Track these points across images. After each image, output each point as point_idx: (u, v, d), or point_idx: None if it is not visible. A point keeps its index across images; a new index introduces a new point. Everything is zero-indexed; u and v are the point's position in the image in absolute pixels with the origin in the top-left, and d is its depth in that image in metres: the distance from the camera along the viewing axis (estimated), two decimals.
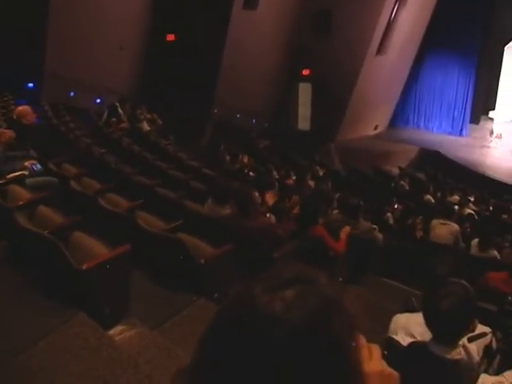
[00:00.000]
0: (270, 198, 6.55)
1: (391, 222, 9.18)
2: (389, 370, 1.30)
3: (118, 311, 4.13)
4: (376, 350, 1.31)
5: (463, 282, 2.76)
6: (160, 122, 14.66)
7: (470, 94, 22.47)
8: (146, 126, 13.98)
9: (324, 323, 1.04)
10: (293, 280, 1.08)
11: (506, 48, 21.89)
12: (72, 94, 14.37)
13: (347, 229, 6.11)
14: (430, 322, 2.69)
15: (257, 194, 5.63)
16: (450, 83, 22.76)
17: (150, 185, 7.76)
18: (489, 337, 2.82)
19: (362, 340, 1.31)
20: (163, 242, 4.98)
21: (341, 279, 6.18)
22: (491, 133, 21.19)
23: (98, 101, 15.03)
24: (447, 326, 2.63)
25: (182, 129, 14.74)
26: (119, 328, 3.98)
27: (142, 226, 5.08)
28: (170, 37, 16.27)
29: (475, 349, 2.99)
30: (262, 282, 1.09)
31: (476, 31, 21.43)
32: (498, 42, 22.34)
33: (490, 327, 2.87)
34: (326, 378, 1.03)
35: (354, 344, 1.11)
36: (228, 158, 11.04)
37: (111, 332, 3.91)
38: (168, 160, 10.64)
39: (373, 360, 1.29)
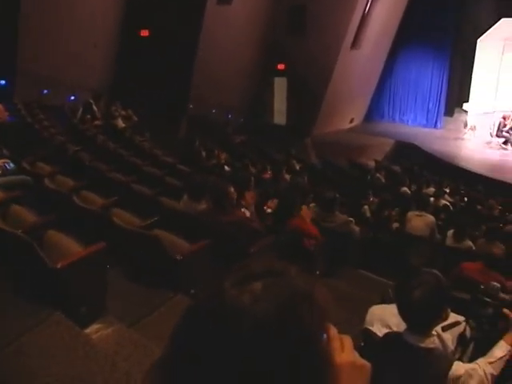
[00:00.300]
0: (251, 198, 6.52)
1: (368, 214, 9.23)
2: (361, 360, 1.31)
3: (95, 309, 4.11)
4: (348, 341, 1.31)
5: (435, 271, 2.79)
6: (135, 118, 14.59)
7: (443, 86, 22.65)
8: (120, 123, 13.90)
9: (293, 315, 1.04)
10: (262, 273, 1.09)
11: (478, 41, 22.09)
12: (45, 91, 14.20)
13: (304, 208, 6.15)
14: (403, 312, 2.71)
15: (232, 189, 5.61)
16: (424, 76, 22.92)
17: (125, 181, 7.72)
18: (462, 325, 2.85)
19: (334, 331, 1.31)
20: (139, 238, 4.95)
21: (318, 272, 6.21)
22: (465, 125, 21.39)
23: (72, 98, 14.88)
24: (420, 316, 2.66)
25: (157, 125, 14.68)
26: (96, 326, 3.95)
27: (118, 223, 5.04)
28: (144, 32, 16.14)
29: (449, 338, 3.03)
30: (232, 275, 1.10)
31: (449, 24, 21.59)
32: (470, 35, 22.53)
33: (464, 316, 2.91)
34: (297, 370, 1.03)
35: (325, 336, 1.12)
36: (204, 153, 11.02)
37: (88, 330, 3.88)
38: (143, 156, 10.59)
39: (345, 351, 1.29)
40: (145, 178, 8.39)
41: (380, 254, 7.08)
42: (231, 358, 1.00)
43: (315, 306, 1.08)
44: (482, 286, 2.87)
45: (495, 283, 2.89)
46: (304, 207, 6.05)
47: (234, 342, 1.00)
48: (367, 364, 1.32)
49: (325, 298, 1.14)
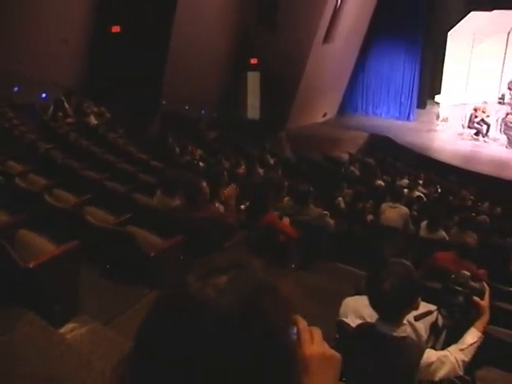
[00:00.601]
0: (231, 192, 6.51)
1: (342, 206, 9.28)
2: (330, 351, 1.32)
3: (69, 308, 4.08)
4: (317, 333, 1.32)
5: (405, 262, 2.82)
6: (108, 115, 14.48)
7: (416, 79, 22.79)
8: (93, 120, 13.78)
9: (257, 308, 1.05)
10: (227, 266, 1.09)
11: (448, 34, 22.29)
12: (16, 88, 14.02)
13: (286, 219, 6.17)
14: (374, 303, 2.75)
15: (205, 184, 5.60)
16: (397, 69, 23.05)
17: (98, 179, 7.66)
18: (434, 314, 2.89)
19: (304, 323, 1.32)
20: (112, 236, 4.93)
21: (293, 266, 6.23)
22: (437, 117, 21.58)
23: (44, 95, 14.70)
24: (391, 306, 2.69)
25: (130, 121, 14.59)
26: (70, 326, 3.93)
27: (90, 221, 5.01)
28: (116, 28, 16.00)
29: (422, 327, 3.08)
30: (197, 269, 1.10)
31: (420, 18, 21.72)
32: (441, 29, 22.72)
33: (436, 305, 2.95)
34: (262, 363, 1.03)
35: (290, 328, 1.13)
36: (177, 149, 10.98)
37: (62, 330, 3.85)
38: (117, 153, 10.52)
39: (314, 343, 1.30)
40: (118, 175, 8.33)
41: (355, 246, 7.13)
42: (196, 352, 1.00)
43: (279, 299, 1.09)
44: (453, 275, 2.91)
45: (465, 272, 2.93)
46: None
47: (199, 336, 1.01)
48: (337, 355, 1.34)
49: (289, 290, 1.15)
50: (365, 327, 2.89)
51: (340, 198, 9.32)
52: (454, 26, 22.26)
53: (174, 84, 16.68)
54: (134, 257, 4.72)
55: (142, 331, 1.08)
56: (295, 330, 1.34)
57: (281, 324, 1.08)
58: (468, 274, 2.92)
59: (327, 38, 19.36)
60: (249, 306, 1.04)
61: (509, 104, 20.98)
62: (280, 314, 1.08)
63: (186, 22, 16.20)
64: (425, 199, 11.88)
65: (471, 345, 2.82)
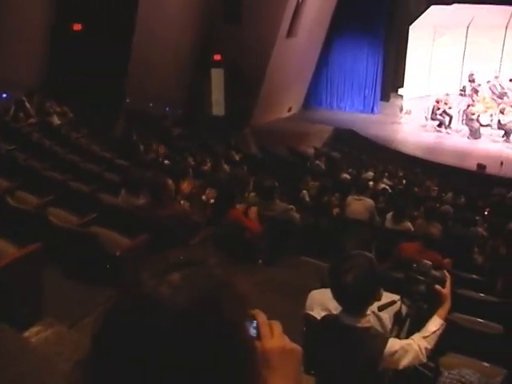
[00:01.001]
0: (187, 187, 6.51)
1: (307, 199, 9.32)
2: (291, 345, 1.33)
3: (33, 312, 4.02)
4: (277, 327, 1.33)
5: (367, 253, 2.85)
6: (71, 114, 14.30)
7: (379, 72, 22.96)
8: (56, 120, 13.58)
9: (212, 305, 1.04)
10: (181, 263, 1.09)
11: (410, 28, 22.49)
12: None
13: (254, 209, 6.18)
14: (337, 295, 2.78)
15: (170, 181, 5.58)
16: (360, 63, 23.19)
17: (61, 179, 7.57)
18: (397, 304, 2.93)
19: (263, 317, 1.33)
20: (76, 237, 4.88)
21: (260, 261, 6.26)
22: (401, 109, 21.79)
23: (4, 96, 14.46)
24: (354, 298, 2.73)
25: (94, 120, 14.43)
26: (35, 329, 3.87)
27: (54, 222, 4.95)
28: (77, 26, 15.79)
29: (387, 317, 3.12)
30: (151, 266, 1.09)
31: (382, 11, 21.88)
32: (403, 22, 22.92)
33: (399, 295, 2.99)
34: (219, 360, 1.03)
35: (247, 324, 1.13)
36: (142, 147, 10.90)
37: (26, 334, 3.80)
38: (80, 153, 10.40)
39: (274, 336, 1.31)
40: (82, 175, 8.24)
41: (321, 240, 7.17)
42: (151, 350, 0.99)
43: (236, 295, 1.09)
44: (414, 265, 2.95)
45: (427, 261, 2.98)
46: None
47: (153, 334, 1.00)
48: (297, 348, 1.35)
49: (245, 286, 1.15)
50: (329, 319, 2.92)
51: (304, 192, 9.36)
52: (416, 19, 22.47)
53: (137, 82, 16.54)
54: (99, 257, 4.68)
55: (97, 331, 1.06)
56: (255, 324, 1.35)
57: (237, 320, 1.08)
58: (429, 263, 2.96)
59: (290, 32, 19.38)
60: (204, 303, 1.04)
61: (470, 96, 21.29)
62: (236, 310, 1.08)
63: (149, 19, 16.07)
64: (390, 191, 12.00)
65: (434, 332, 2.87)
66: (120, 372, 1.01)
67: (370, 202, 8.77)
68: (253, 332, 1.39)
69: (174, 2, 17.09)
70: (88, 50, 15.47)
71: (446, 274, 2.99)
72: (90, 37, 15.44)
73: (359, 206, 8.57)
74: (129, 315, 1.03)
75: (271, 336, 1.31)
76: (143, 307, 1.02)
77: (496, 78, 21.69)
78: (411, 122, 21.23)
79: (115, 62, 15.99)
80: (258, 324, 1.35)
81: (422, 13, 22.72)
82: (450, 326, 3.59)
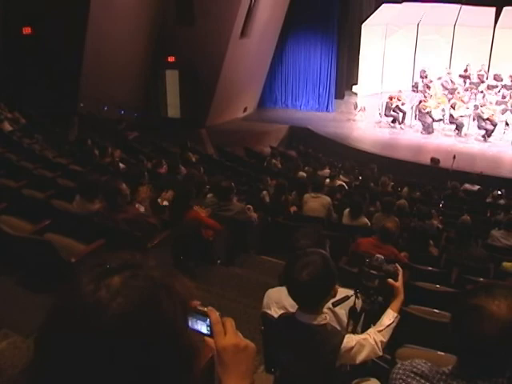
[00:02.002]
0: (142, 190, 6.46)
1: (267, 199, 9.35)
2: (244, 342, 1.35)
3: None
4: (230, 324, 1.35)
5: (321, 251, 2.87)
6: (23, 120, 14.02)
7: (332, 70, 23.14)
8: (7, 126, 13.28)
9: (153, 307, 1.05)
10: (120, 266, 1.09)
11: (362, 26, 22.75)
12: None
13: (203, 211, 6.19)
14: (292, 293, 2.79)
15: (124, 185, 5.52)
16: (314, 61, 23.35)
17: (15, 187, 7.42)
18: (352, 299, 2.96)
19: (216, 315, 1.34)
20: (30, 244, 4.79)
21: (219, 262, 6.26)
22: (355, 107, 22.01)
23: None
24: (309, 296, 2.73)
25: (47, 126, 14.19)
26: None
27: (6, 230, 4.85)
28: (27, 30, 15.48)
29: (344, 312, 3.15)
30: (89, 270, 1.09)
31: (334, 10, 22.06)
32: (355, 20, 23.20)
33: (354, 289, 3.02)
34: (161, 362, 1.04)
35: (188, 324, 1.14)
36: (97, 152, 10.76)
37: None
38: (34, 159, 10.20)
39: (227, 334, 1.32)
40: (36, 182, 8.09)
41: (279, 238, 7.20)
42: (91, 354, 0.99)
43: (175, 297, 1.09)
44: (367, 260, 2.99)
45: (379, 255, 3.02)
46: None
47: (93, 338, 1.00)
48: (251, 345, 1.36)
49: (186, 287, 1.16)
50: (285, 317, 2.93)
51: (265, 192, 9.38)
52: (368, 17, 22.76)
53: (91, 85, 16.33)
54: (54, 264, 4.60)
55: (38, 337, 1.06)
56: (208, 321, 1.36)
57: (178, 321, 1.08)
58: (382, 257, 3.00)
59: (244, 32, 19.40)
60: (143, 305, 1.04)
61: (422, 91, 21.65)
62: (177, 311, 1.08)
63: (101, 22, 15.88)
64: (346, 187, 12.11)
65: (388, 326, 2.91)
66: (61, 376, 1.00)
67: (326, 199, 8.84)
68: (206, 329, 1.40)
69: (125, 4, 16.92)
70: (39, 53, 15.20)
71: (398, 267, 3.03)
72: (40, 40, 15.17)
73: (316, 203, 8.64)
74: (68, 320, 1.03)
75: (224, 333, 1.33)
76: (82, 312, 1.02)
77: (447, 73, 22.14)
78: (366, 119, 21.46)
79: (67, 65, 15.76)
80: (210, 322, 1.36)
81: (374, 11, 23.03)
82: (406, 317, 3.65)
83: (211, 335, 1.38)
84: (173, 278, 1.13)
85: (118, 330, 1.00)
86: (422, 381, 1.87)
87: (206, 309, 1.41)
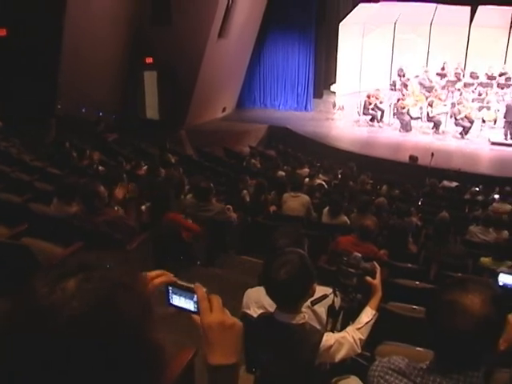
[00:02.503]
0: (120, 192, 6.41)
1: (248, 199, 9.35)
2: (231, 319, 1.36)
3: None
4: (216, 302, 1.35)
5: (299, 250, 2.88)
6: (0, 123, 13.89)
7: (311, 70, 23.20)
8: None
9: (109, 308, 1.04)
10: (75, 269, 1.07)
11: (340, 25, 22.84)
12: None
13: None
14: (270, 293, 2.79)
15: (102, 188, 5.49)
16: (292, 61, 23.39)
17: None
18: (330, 297, 2.97)
19: (202, 292, 1.35)
20: (6, 249, 4.73)
21: (198, 263, 6.25)
22: (334, 105, 22.10)
23: None
24: (287, 295, 2.74)
25: (24, 129, 14.05)
26: None
27: None
28: (1, 31, 15.29)
29: (323, 310, 3.16)
30: (45, 273, 1.08)
31: (312, 9, 22.10)
32: (333, 19, 23.28)
33: (332, 288, 3.03)
34: (122, 361, 1.03)
35: (148, 323, 1.12)
36: (75, 154, 10.68)
37: None
38: (11, 163, 10.11)
39: (213, 311, 1.33)
40: (13, 185, 8.02)
41: (258, 238, 7.21)
42: (49, 356, 0.98)
43: (133, 297, 1.08)
44: (345, 258, 3.00)
45: (356, 254, 3.03)
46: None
47: (50, 340, 0.99)
48: (237, 322, 1.37)
49: (145, 287, 1.14)
50: (264, 317, 2.94)
51: (245, 192, 9.38)
52: (345, 17, 22.85)
53: (68, 87, 16.20)
54: (31, 269, 4.56)
55: None
56: (195, 298, 1.37)
57: (137, 321, 1.07)
58: (359, 255, 3.02)
59: (222, 33, 19.38)
60: (99, 307, 1.03)
61: (400, 90, 21.81)
62: (135, 311, 1.07)
63: (77, 23, 15.75)
64: (326, 186, 12.15)
65: (367, 323, 2.93)
66: (19, 377, 1.00)
67: (306, 198, 8.87)
68: (192, 307, 1.40)
69: (102, 5, 16.80)
70: (15, 55, 15.03)
71: (376, 265, 3.05)
72: (16, 42, 15.00)
73: (295, 202, 8.66)
74: (24, 322, 1.02)
75: (210, 310, 1.33)
76: (37, 315, 1.01)
77: (425, 72, 22.33)
78: (344, 118, 21.56)
79: (44, 67, 15.61)
80: (197, 298, 1.37)
81: (351, 11, 23.14)
82: (386, 314, 3.68)
83: (198, 312, 1.39)
84: (132, 277, 1.12)
85: (75, 332, 0.99)
86: (400, 377, 1.89)
87: (192, 285, 1.42)
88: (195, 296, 1.39)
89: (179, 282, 1.46)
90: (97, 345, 1.00)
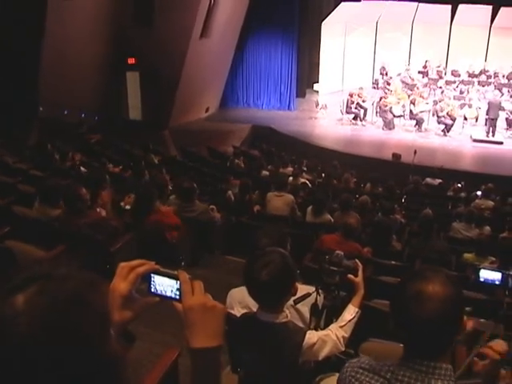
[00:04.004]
0: (103, 193, 6.40)
1: (233, 199, 9.36)
2: (212, 302, 1.37)
3: None
4: (198, 285, 1.36)
5: (281, 249, 2.89)
6: None
7: (293, 69, 23.22)
8: None
9: (61, 322, 1.00)
10: (26, 282, 1.04)
11: (322, 24, 22.88)
12: None
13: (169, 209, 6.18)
14: (252, 293, 2.79)
15: (84, 190, 5.46)
16: (275, 60, 23.39)
17: None
18: (313, 296, 2.98)
19: (184, 275, 1.35)
20: None
21: (183, 264, 6.24)
22: (317, 104, 22.13)
23: None
24: (269, 294, 2.74)
25: (6, 131, 13.94)
26: None
27: None
28: None
29: (306, 309, 3.17)
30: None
31: (294, 8, 22.11)
32: (315, 19, 23.31)
33: (315, 286, 3.04)
34: (79, 373, 1.00)
35: (106, 336, 1.09)
36: (57, 156, 10.61)
37: None
38: None
39: (195, 294, 1.33)
40: None
41: (243, 238, 7.21)
42: (4, 375, 0.96)
43: (91, 308, 1.05)
44: (327, 256, 3.01)
45: (339, 252, 3.04)
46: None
47: (1, 355, 0.96)
48: (219, 305, 1.38)
49: (105, 295, 1.12)
50: (247, 317, 2.94)
51: (230, 192, 9.38)
52: (327, 16, 22.90)
53: (50, 89, 16.08)
54: (14, 272, 4.52)
55: None
56: (178, 284, 1.37)
57: (97, 331, 1.05)
58: (341, 253, 3.03)
59: (204, 33, 19.34)
60: (50, 321, 0.99)
61: (382, 88, 21.92)
62: (92, 323, 1.04)
63: (59, 25, 15.63)
64: (310, 185, 12.18)
65: (350, 321, 2.94)
66: None
67: (290, 197, 8.88)
68: (175, 294, 1.39)
69: (83, 5, 16.69)
70: None
71: (358, 262, 3.07)
72: None
73: (279, 201, 8.68)
74: None
75: (192, 293, 1.33)
76: None
77: (407, 70, 22.46)
78: (328, 117, 21.60)
79: (25, 69, 15.49)
80: (180, 282, 1.38)
81: (333, 10, 23.20)
82: (370, 312, 3.70)
83: (180, 300, 1.39)
84: (89, 287, 1.09)
85: (26, 347, 0.96)
86: (370, 374, 1.91)
87: (175, 272, 1.42)
88: (178, 283, 1.40)
89: (162, 269, 1.47)
90: (50, 359, 0.97)
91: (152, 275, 1.46)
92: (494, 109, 18.67)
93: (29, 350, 0.96)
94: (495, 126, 18.92)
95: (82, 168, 9.93)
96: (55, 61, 15.90)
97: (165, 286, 1.43)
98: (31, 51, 15.46)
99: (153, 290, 1.46)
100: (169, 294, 1.43)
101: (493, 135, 18.89)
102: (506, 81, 21.61)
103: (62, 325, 1.00)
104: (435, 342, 1.82)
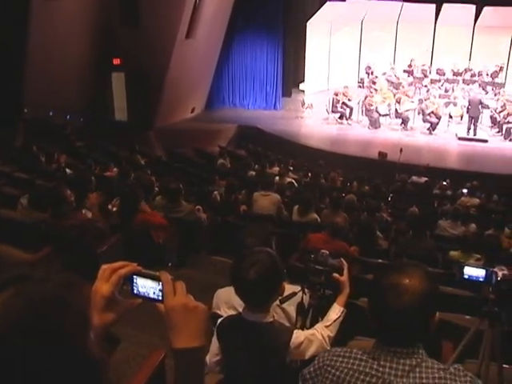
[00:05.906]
0: (94, 198, 6.37)
1: (219, 199, 9.35)
2: (194, 302, 1.37)
3: None
4: (180, 286, 1.36)
5: (268, 249, 2.89)
6: None
7: (279, 69, 23.26)
8: None
9: (39, 323, 1.00)
10: (5, 282, 1.03)
11: (308, 24, 22.90)
12: None
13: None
14: (239, 293, 2.79)
15: (69, 192, 5.43)
16: (260, 60, 23.42)
17: None
18: (299, 295, 2.99)
19: (167, 276, 1.36)
20: None
21: (170, 264, 6.23)
22: (303, 104, 22.17)
23: None
24: (256, 294, 2.74)
25: None
26: None
27: None
28: None
29: (292, 309, 3.16)
30: None
31: (279, 8, 22.16)
32: (300, 18, 23.32)
33: (301, 285, 3.04)
34: (59, 374, 1.00)
35: (86, 337, 1.09)
36: (43, 158, 10.54)
37: None
38: None
39: (177, 295, 1.33)
40: None
41: (229, 238, 7.20)
42: None
43: (70, 309, 1.05)
44: (312, 255, 3.02)
45: (324, 251, 3.04)
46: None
47: None
48: (201, 306, 1.38)
49: (85, 296, 1.12)
50: (234, 317, 2.93)
51: (216, 192, 9.37)
52: (313, 15, 22.93)
53: (35, 90, 15.98)
54: None
55: None
56: (160, 285, 1.38)
57: (74, 334, 1.04)
58: (327, 252, 3.03)
59: (189, 33, 19.31)
60: (28, 323, 0.99)
61: (368, 87, 22.00)
62: (72, 324, 1.04)
63: (44, 26, 15.55)
64: (296, 185, 12.19)
65: (335, 320, 2.95)
66: None
67: (276, 196, 8.88)
68: (157, 295, 1.40)
69: (69, 6, 16.60)
70: None
71: (343, 261, 3.07)
72: None
73: (266, 201, 8.67)
74: None
75: (174, 295, 1.33)
76: None
77: (392, 69, 22.55)
78: (314, 116, 21.66)
79: (9, 70, 15.38)
80: (162, 283, 1.38)
81: (318, 9, 23.24)
82: (357, 310, 3.71)
83: (163, 301, 1.40)
84: (67, 288, 1.08)
85: (1, 348, 0.96)
86: (346, 360, 1.97)
87: (157, 273, 1.43)
88: (160, 284, 1.40)
89: (144, 270, 1.47)
90: (28, 361, 0.97)
91: (134, 277, 1.46)
92: (474, 107, 18.82)
93: (4, 350, 0.96)
94: (476, 124, 19.08)
95: (68, 170, 9.87)
96: (40, 61, 15.81)
97: (147, 287, 1.43)
98: (16, 52, 15.36)
99: (135, 291, 1.46)
100: (151, 295, 1.43)
101: (474, 133, 19.03)
102: (491, 79, 21.77)
103: (39, 326, 0.99)
104: (407, 333, 1.88)
